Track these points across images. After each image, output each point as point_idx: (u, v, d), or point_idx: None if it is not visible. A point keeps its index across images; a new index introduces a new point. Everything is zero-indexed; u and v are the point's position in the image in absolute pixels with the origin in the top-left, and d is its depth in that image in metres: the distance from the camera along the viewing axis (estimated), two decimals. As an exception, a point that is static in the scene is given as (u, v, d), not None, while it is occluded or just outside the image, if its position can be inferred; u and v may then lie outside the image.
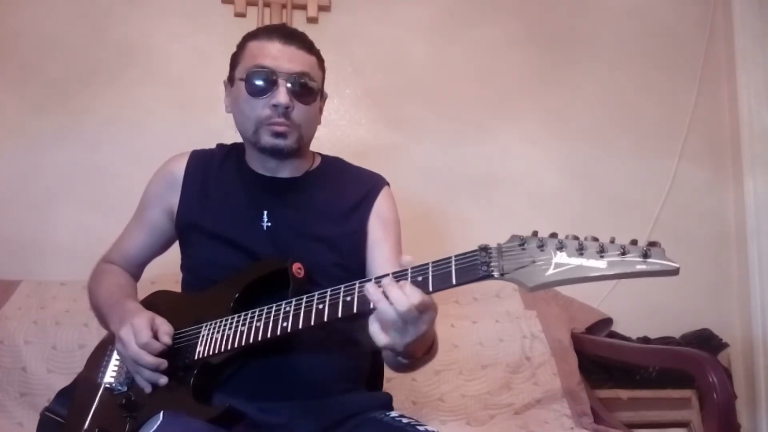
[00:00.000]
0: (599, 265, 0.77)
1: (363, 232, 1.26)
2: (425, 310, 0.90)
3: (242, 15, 2.14)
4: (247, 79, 1.16)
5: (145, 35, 2.12)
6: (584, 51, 2.33)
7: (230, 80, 1.24)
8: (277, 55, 1.16)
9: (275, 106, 1.15)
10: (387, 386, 1.34)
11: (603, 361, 1.95)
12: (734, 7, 2.35)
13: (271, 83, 1.15)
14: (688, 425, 1.97)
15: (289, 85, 1.15)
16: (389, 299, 0.89)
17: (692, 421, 1.95)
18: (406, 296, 0.88)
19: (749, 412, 2.20)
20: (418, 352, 1.07)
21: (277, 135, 1.17)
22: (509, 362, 1.82)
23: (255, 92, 1.16)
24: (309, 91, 1.18)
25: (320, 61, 1.24)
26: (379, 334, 0.93)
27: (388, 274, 0.94)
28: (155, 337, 1.09)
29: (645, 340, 2.09)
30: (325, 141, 2.04)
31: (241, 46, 1.22)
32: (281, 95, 1.14)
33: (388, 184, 1.34)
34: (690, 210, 2.30)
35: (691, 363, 1.49)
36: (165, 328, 1.11)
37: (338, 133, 2.18)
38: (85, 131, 2.05)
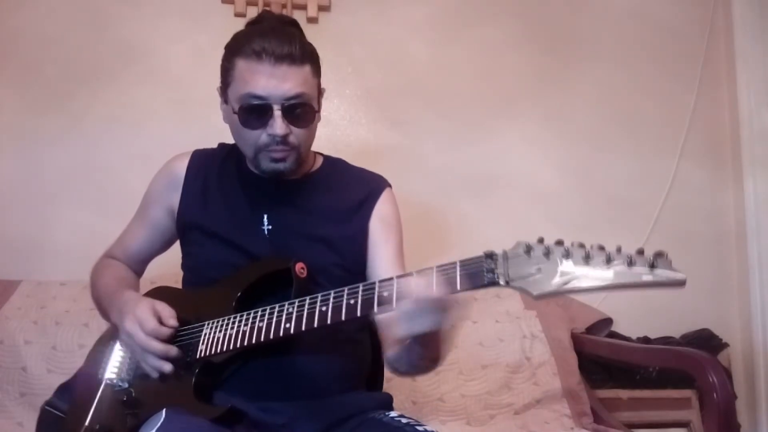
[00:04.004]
0: (606, 274, 0.75)
1: (364, 234, 1.25)
2: (440, 308, 0.87)
3: (242, 15, 2.13)
4: (240, 112, 1.12)
5: (145, 35, 2.12)
6: (584, 51, 2.33)
7: (222, 94, 1.20)
8: (269, 80, 1.09)
9: (272, 135, 1.12)
10: (387, 386, 1.34)
11: (603, 361, 1.95)
12: (734, 7, 2.34)
13: (266, 114, 1.11)
14: (688, 425, 1.97)
15: (284, 112, 1.11)
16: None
17: (692, 421, 1.95)
18: (428, 286, 0.87)
19: (749, 412, 2.20)
20: (430, 351, 1.03)
21: (277, 160, 1.16)
22: (509, 362, 1.82)
23: (250, 126, 1.13)
24: (305, 113, 1.14)
25: (315, 65, 1.17)
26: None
27: (392, 278, 0.94)
28: (160, 322, 1.09)
29: (645, 340, 2.09)
30: (325, 141, 2.03)
31: (229, 59, 1.15)
32: (277, 127, 1.11)
33: (390, 185, 1.33)
34: (690, 210, 2.29)
35: (691, 363, 1.50)
36: (168, 312, 1.11)
37: (338, 133, 2.17)
38: (85, 131, 2.05)
